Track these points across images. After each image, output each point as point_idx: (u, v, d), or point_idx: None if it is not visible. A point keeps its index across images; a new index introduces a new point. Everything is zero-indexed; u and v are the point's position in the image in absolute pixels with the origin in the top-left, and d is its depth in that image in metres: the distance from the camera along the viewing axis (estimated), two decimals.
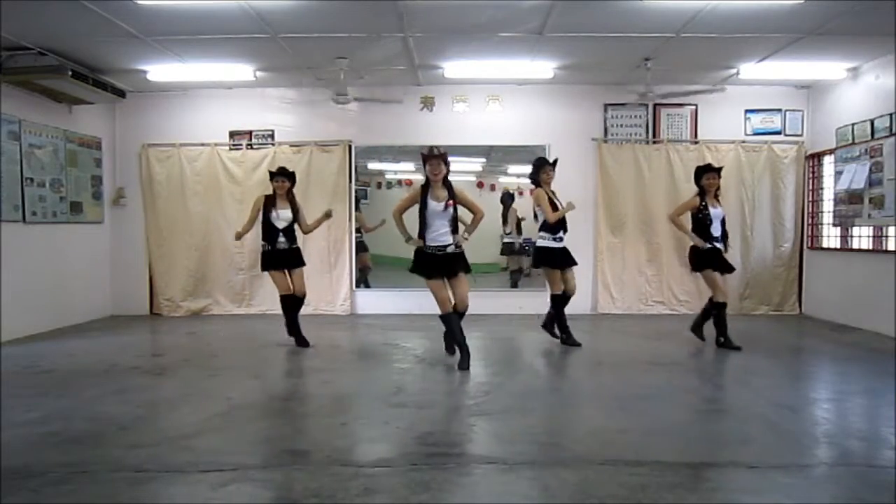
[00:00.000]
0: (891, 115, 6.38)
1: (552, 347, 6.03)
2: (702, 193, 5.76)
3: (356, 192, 8.10)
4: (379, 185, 8.31)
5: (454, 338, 5.21)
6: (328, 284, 8.05)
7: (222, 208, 7.99)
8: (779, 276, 8.06)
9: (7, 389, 4.44)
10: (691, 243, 5.83)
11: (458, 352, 5.20)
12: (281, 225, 5.92)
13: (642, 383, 4.64)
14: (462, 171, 8.54)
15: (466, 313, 5.21)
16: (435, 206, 5.02)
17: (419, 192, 5.14)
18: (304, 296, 6.03)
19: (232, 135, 8.10)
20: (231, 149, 8.09)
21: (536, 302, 8.05)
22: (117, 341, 6.38)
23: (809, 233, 8.01)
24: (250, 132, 8.11)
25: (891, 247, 6.63)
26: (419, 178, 8.37)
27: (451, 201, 5.04)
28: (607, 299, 8.06)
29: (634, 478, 2.84)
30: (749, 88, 7.84)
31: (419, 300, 7.80)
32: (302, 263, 6.03)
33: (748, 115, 8.01)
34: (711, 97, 7.77)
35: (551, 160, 6.09)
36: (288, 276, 5.95)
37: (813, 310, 7.90)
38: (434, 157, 5.02)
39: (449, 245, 5.05)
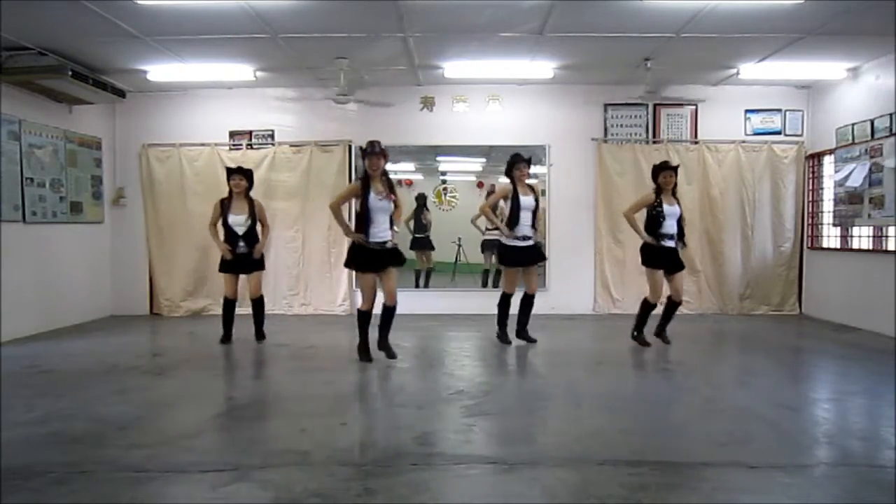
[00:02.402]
0: (891, 115, 6.38)
1: (553, 347, 6.04)
2: (659, 191, 5.78)
3: None
4: None
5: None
6: (328, 284, 8.05)
7: None
8: (779, 276, 8.05)
9: (7, 389, 4.44)
10: (644, 240, 5.80)
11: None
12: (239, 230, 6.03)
13: (642, 383, 4.64)
14: (462, 171, 8.55)
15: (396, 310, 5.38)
16: (376, 199, 5.01)
17: (358, 186, 5.15)
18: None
19: (232, 135, 8.10)
20: (231, 149, 8.09)
21: (536, 302, 8.06)
22: (117, 341, 6.37)
23: (809, 233, 8.01)
24: (250, 132, 8.11)
25: (891, 247, 6.63)
26: (419, 177, 8.39)
27: (392, 195, 5.07)
28: (607, 299, 8.05)
29: (634, 478, 2.84)
30: (749, 88, 7.84)
31: (419, 300, 7.82)
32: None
33: (748, 115, 8.00)
34: (711, 96, 7.79)
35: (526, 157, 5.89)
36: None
37: (813, 310, 7.90)
38: (375, 153, 5.02)
39: (388, 240, 5.10)
